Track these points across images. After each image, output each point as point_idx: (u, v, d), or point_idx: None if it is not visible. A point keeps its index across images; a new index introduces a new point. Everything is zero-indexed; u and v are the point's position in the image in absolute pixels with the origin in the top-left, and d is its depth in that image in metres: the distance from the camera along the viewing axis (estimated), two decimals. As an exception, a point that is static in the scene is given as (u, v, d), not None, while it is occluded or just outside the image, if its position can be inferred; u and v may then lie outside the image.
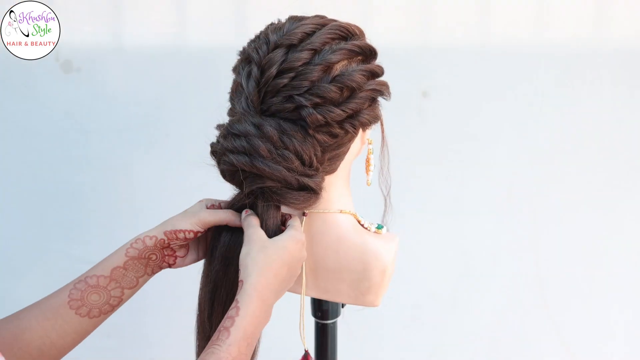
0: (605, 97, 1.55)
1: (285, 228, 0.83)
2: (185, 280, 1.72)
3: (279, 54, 0.78)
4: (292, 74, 0.77)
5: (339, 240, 0.87)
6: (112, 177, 1.63)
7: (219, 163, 0.82)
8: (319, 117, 0.78)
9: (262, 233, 0.80)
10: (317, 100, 0.77)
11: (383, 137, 0.92)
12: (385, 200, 0.96)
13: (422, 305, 1.69)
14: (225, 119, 0.86)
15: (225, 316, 0.74)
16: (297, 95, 0.77)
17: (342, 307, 0.99)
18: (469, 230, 1.64)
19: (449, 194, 1.62)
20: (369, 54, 0.83)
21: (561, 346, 1.70)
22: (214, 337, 0.73)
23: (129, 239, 0.88)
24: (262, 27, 0.86)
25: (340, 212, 0.87)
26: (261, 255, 0.77)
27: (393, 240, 0.91)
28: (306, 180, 0.79)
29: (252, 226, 0.81)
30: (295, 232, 0.81)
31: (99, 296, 0.81)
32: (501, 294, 1.68)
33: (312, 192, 0.80)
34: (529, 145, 1.59)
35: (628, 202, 1.62)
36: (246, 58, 0.83)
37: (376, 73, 0.83)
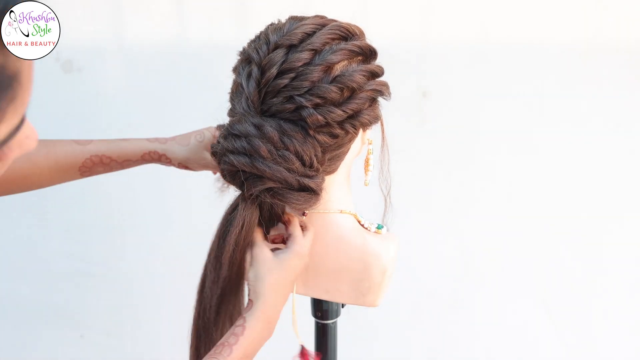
0: (606, 96, 1.55)
1: (288, 233, 0.84)
2: (186, 279, 1.72)
3: (279, 55, 0.78)
4: (292, 75, 0.77)
5: (339, 240, 0.87)
6: (112, 177, 1.63)
7: (219, 163, 0.82)
8: (320, 117, 0.77)
9: (267, 252, 0.82)
10: (318, 100, 0.77)
11: (383, 137, 0.92)
12: (385, 200, 0.96)
13: (422, 305, 1.69)
14: (225, 119, 0.86)
15: (230, 332, 0.77)
16: (298, 95, 0.77)
17: (342, 307, 0.99)
18: (469, 230, 1.64)
19: (449, 194, 1.62)
20: (369, 54, 0.83)
21: (561, 346, 1.70)
22: (216, 350, 0.76)
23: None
24: (262, 27, 0.86)
25: (341, 212, 0.87)
26: (269, 279, 0.80)
27: (393, 240, 0.90)
28: (307, 181, 0.79)
29: (257, 245, 0.83)
30: (298, 247, 0.82)
31: (104, 170, 0.93)
32: (501, 293, 1.68)
33: (312, 193, 0.80)
34: (528, 145, 1.59)
35: (628, 201, 1.62)
36: (246, 58, 0.83)
37: (376, 73, 0.83)
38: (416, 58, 1.55)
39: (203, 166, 0.93)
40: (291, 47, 0.79)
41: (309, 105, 0.77)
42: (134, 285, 1.71)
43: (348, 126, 0.80)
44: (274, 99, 0.78)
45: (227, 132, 0.80)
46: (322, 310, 0.96)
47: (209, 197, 1.60)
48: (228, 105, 0.88)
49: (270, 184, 0.78)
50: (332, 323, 0.98)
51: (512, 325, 1.69)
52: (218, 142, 0.82)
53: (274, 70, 0.77)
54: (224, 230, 0.84)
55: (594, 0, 1.51)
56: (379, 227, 0.91)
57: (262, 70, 0.79)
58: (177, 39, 1.55)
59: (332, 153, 0.82)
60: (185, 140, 0.91)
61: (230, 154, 0.79)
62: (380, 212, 0.97)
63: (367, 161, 0.91)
